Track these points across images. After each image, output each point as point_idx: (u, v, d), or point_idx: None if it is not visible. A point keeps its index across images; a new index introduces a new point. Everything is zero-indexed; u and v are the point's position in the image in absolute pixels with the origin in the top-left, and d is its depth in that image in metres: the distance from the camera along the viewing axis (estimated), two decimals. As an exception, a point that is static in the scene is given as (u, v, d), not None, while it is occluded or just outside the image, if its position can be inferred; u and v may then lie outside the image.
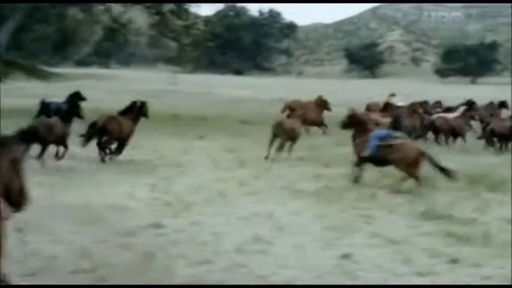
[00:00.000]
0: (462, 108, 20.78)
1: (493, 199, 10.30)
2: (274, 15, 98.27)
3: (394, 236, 7.90)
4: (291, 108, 20.68)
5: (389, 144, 11.42)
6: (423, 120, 19.67)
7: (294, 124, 15.76)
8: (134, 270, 6.36)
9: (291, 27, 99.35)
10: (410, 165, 11.14)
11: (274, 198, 10.31)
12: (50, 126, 13.15)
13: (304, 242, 7.61)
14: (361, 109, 20.48)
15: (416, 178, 11.13)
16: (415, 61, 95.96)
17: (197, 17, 30.78)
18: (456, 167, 13.02)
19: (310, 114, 20.76)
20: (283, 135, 15.10)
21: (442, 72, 78.79)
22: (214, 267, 6.59)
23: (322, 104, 22.81)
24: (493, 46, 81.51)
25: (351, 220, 8.81)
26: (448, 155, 15.33)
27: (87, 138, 13.74)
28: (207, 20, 38.70)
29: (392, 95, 23.09)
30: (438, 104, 25.46)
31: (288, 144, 15.17)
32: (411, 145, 11.85)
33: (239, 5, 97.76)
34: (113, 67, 76.82)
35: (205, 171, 12.96)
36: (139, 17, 33.15)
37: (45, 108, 18.95)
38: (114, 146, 14.12)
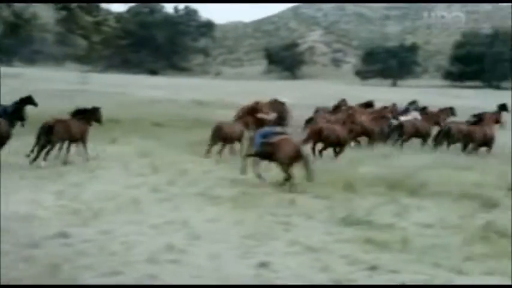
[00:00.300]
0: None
1: (411, 204, 10.26)
2: (190, 13, 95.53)
3: (313, 243, 7.71)
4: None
5: (271, 142, 11.95)
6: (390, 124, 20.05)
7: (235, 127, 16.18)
8: (38, 284, 6.06)
9: (208, 26, 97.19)
10: (286, 162, 11.64)
11: (189, 204, 9.90)
12: None
13: (220, 251, 7.31)
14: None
15: (289, 175, 11.57)
16: (336, 62, 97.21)
17: (109, 13, 29.51)
18: (378, 171, 13.21)
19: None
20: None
21: (362, 74, 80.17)
22: (124, 279, 6.29)
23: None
24: (413, 48, 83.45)
25: (269, 227, 8.54)
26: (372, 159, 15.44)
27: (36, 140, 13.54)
28: (119, 17, 37.16)
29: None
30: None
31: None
32: (290, 142, 12.03)
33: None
34: (16, 65, 72.82)
35: (117, 176, 12.34)
36: (45, 12, 31.57)
37: None
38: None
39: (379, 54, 79.74)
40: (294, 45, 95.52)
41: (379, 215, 9.35)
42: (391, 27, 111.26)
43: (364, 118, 19.16)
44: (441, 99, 48.63)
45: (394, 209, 9.81)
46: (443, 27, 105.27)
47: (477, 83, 73.23)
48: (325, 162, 15.08)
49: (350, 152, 17.27)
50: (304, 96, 48.63)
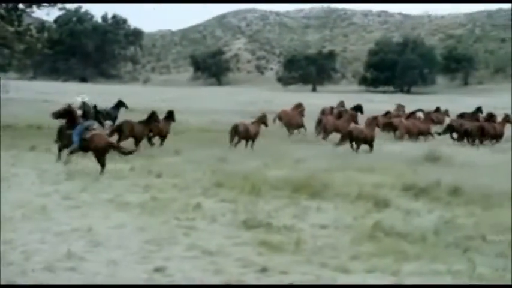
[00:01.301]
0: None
1: (311, 206, 10.72)
2: (119, 22, 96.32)
3: (211, 247, 7.97)
4: None
5: (85, 138, 14.12)
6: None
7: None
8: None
9: (137, 34, 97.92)
10: (99, 154, 13.92)
11: (98, 211, 10.02)
12: None
13: (118, 257, 7.47)
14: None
15: (103, 166, 13.75)
16: (260, 69, 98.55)
17: (30, 23, 29.11)
18: (286, 174, 13.70)
19: None
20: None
21: (284, 80, 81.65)
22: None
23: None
24: (331, 56, 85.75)
25: (171, 232, 8.76)
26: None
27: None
28: (44, 27, 36.69)
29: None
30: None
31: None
32: (101, 136, 14.52)
33: (83, 10, 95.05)
34: None
35: (31, 184, 12.35)
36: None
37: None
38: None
39: (299, 62, 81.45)
40: (220, 52, 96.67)
41: (279, 218, 9.75)
42: (311, 35, 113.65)
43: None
44: (354, 103, 50.33)
45: (294, 211, 10.25)
46: (359, 36, 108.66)
47: (390, 88, 76.09)
48: (235, 165, 15.44)
49: (262, 155, 17.82)
50: (229, 102, 49.43)
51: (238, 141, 20.38)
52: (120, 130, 19.05)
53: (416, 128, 25.03)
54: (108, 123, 25.70)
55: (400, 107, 33.47)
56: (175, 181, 12.95)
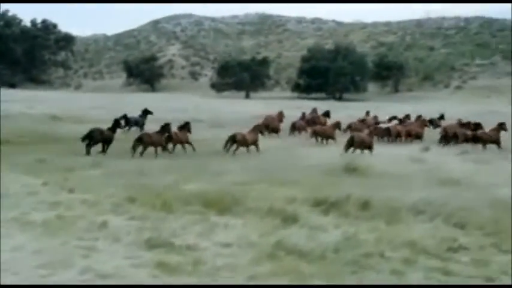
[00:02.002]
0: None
1: (220, 222, 10.62)
2: (48, 26, 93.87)
3: (107, 270, 7.77)
4: None
5: None
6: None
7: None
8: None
9: (68, 39, 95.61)
10: None
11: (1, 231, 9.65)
12: None
13: (6, 283, 7.21)
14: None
15: None
16: (194, 75, 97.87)
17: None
18: (201, 188, 13.57)
19: None
20: None
21: (217, 87, 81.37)
22: None
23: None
24: (264, 62, 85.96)
25: (69, 254, 8.47)
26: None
27: None
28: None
29: None
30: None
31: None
32: None
33: (10, 14, 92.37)
34: None
35: None
36: None
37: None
38: None
39: (232, 68, 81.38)
40: (153, 58, 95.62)
41: (184, 236, 9.59)
42: (246, 41, 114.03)
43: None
44: (286, 110, 50.68)
45: (201, 229, 10.10)
46: (294, 42, 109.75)
47: (322, 95, 77.04)
48: (152, 178, 15.23)
49: (183, 167, 17.67)
50: (159, 109, 48.85)
51: (237, 149, 23.01)
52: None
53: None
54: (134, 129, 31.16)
55: (314, 111, 37.89)
56: (87, 197, 12.64)
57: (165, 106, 52.24)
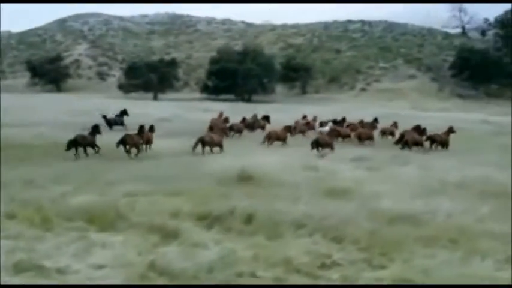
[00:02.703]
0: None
1: (99, 240, 10.33)
2: None
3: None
4: None
5: None
6: None
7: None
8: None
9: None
10: None
11: None
12: None
13: None
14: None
15: None
16: (101, 76, 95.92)
17: None
18: (91, 200, 13.16)
19: None
20: None
21: (125, 88, 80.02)
22: None
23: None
24: (173, 63, 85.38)
25: None
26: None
27: None
28: None
29: None
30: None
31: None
32: None
33: None
34: None
35: None
36: None
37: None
38: None
39: (140, 69, 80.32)
40: (59, 58, 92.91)
41: (58, 257, 9.28)
42: (156, 41, 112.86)
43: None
44: (192, 112, 50.58)
45: (78, 248, 9.78)
46: (204, 43, 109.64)
47: (231, 96, 77.40)
48: (39, 190, 14.63)
49: (76, 176, 17.15)
50: (62, 111, 47.43)
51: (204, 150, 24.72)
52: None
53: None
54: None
55: (221, 114, 39.17)
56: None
57: (68, 108, 50.93)
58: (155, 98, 76.94)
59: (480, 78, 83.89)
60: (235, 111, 59.37)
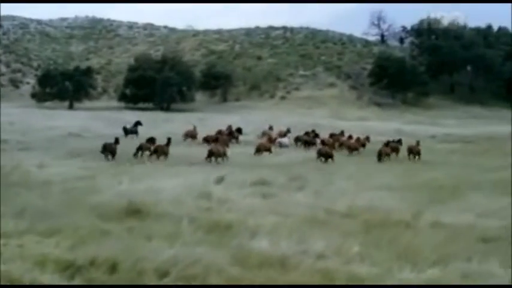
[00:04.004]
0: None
1: None
2: None
3: None
4: None
5: None
6: None
7: None
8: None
9: None
10: None
11: None
12: None
13: None
14: None
15: None
16: (15, 83, 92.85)
17: None
18: None
19: None
20: None
21: (39, 96, 77.80)
22: None
23: None
24: (89, 71, 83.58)
25: None
26: None
27: None
28: None
29: None
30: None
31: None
32: None
33: None
34: None
35: None
36: None
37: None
38: None
39: (54, 77, 78.29)
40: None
41: None
42: (75, 46, 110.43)
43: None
44: (106, 124, 49.58)
45: None
46: (125, 48, 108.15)
47: (150, 105, 76.60)
48: None
49: None
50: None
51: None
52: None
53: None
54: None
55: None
56: None
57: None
58: (71, 107, 75.16)
59: (397, 86, 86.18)
60: (153, 120, 58.95)
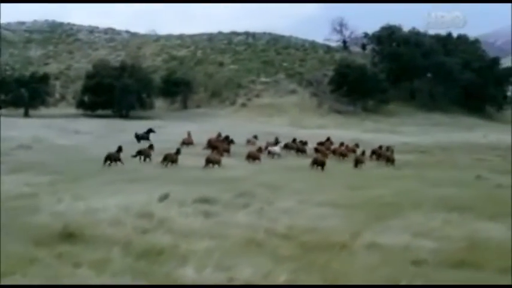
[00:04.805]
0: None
1: None
2: None
3: None
4: None
5: None
6: None
7: None
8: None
9: None
10: None
11: None
12: None
13: None
14: None
15: None
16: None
17: None
18: None
19: None
20: None
21: (-6, 104, 76.55)
22: None
23: None
24: (45, 78, 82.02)
25: None
26: None
27: None
28: None
29: None
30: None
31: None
32: None
33: None
34: None
35: None
36: None
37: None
38: None
39: (8, 84, 76.83)
40: None
41: None
42: (34, 50, 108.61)
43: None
44: (61, 133, 48.71)
45: None
46: (85, 53, 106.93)
47: (108, 112, 75.72)
48: None
49: None
50: None
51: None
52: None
53: None
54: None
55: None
56: None
57: None
58: (26, 114, 73.73)
59: (358, 93, 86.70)
60: (111, 128, 58.25)
